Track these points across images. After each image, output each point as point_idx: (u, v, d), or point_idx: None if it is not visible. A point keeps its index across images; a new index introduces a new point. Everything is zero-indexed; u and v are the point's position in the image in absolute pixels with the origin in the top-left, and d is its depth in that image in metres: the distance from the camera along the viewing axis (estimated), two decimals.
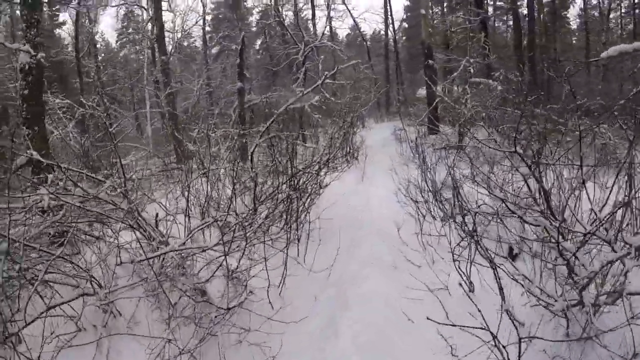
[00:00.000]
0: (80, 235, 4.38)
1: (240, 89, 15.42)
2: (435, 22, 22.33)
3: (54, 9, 24.37)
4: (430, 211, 5.26)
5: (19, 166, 3.88)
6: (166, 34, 22.51)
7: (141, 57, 22.72)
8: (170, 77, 14.04)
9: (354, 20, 27.09)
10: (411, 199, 5.36)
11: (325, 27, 23.62)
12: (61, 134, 10.48)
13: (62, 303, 3.38)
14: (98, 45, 29.58)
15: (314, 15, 26.29)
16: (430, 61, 14.57)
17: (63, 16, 26.36)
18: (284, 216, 5.07)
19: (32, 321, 3.13)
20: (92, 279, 3.62)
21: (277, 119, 7.34)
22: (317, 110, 15.41)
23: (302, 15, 24.62)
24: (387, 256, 4.52)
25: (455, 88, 18.73)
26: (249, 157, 5.50)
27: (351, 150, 11.35)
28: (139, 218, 4.24)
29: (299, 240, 5.01)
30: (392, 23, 28.24)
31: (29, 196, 3.77)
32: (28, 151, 3.90)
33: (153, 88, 18.36)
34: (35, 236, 3.79)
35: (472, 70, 14.05)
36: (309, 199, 5.49)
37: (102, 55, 32.67)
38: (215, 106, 17.38)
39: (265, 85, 24.25)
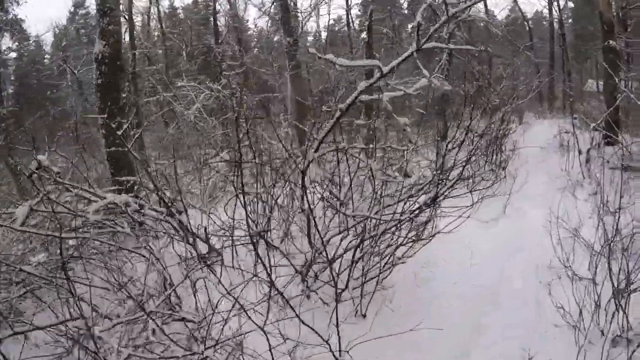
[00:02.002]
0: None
1: (368, 72, 13.78)
2: None
3: None
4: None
5: (31, 171, 3.17)
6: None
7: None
8: (295, 60, 13.06)
9: None
10: (575, 274, 3.06)
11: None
12: (186, 115, 10.40)
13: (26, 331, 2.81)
14: (250, 32, 30.84)
15: None
16: (611, 42, 10.62)
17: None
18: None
19: None
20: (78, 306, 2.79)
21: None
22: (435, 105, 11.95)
23: None
24: None
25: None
26: (301, 181, 3.37)
27: (499, 162, 8.50)
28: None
29: None
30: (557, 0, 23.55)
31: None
32: (39, 156, 3.17)
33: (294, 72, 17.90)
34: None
35: None
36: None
37: (255, 40, 34.13)
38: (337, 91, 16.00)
39: (408, 70, 22.13)
